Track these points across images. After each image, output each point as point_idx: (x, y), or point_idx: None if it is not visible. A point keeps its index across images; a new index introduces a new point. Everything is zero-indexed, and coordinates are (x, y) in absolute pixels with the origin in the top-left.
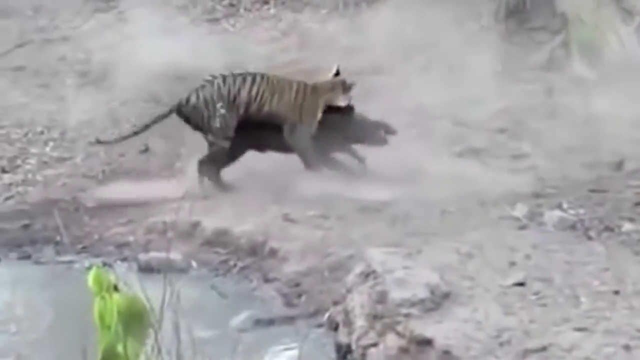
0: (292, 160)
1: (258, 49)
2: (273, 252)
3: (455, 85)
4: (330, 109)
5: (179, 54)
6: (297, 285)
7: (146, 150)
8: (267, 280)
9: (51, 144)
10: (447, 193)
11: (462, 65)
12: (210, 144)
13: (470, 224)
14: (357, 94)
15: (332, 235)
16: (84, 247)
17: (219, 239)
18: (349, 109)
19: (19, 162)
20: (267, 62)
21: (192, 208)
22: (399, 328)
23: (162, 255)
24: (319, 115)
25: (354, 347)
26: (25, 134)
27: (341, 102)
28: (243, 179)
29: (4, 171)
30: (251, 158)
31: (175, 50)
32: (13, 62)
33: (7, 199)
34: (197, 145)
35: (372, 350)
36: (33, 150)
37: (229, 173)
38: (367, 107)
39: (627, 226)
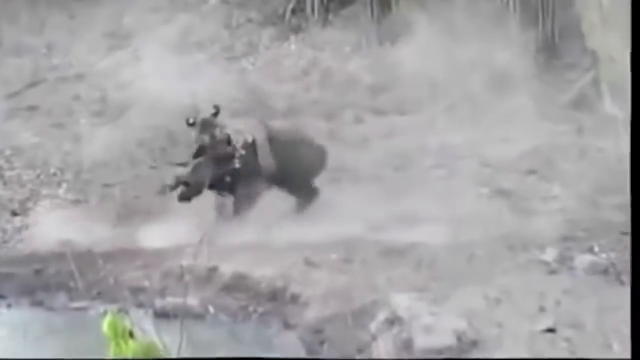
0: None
1: (278, 88)
2: (294, 298)
3: (482, 124)
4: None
5: (197, 92)
6: (320, 331)
7: (163, 191)
8: (287, 326)
9: (64, 185)
10: (475, 236)
11: (489, 104)
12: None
13: (498, 268)
14: (381, 133)
15: (355, 280)
16: (98, 293)
17: (238, 284)
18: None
19: (30, 204)
20: (288, 101)
21: (210, 252)
22: None
23: (178, 300)
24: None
25: None
26: (38, 176)
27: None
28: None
29: (15, 214)
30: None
31: (192, 89)
32: (26, 102)
33: (19, 242)
34: None
35: None
36: (45, 192)
37: None
38: (390, 147)
39: None
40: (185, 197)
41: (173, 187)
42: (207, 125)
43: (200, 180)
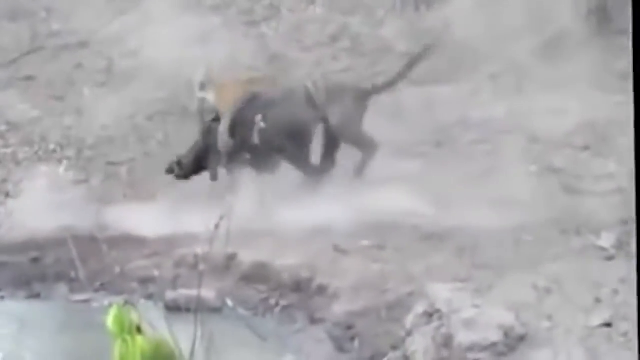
0: None
1: (303, 56)
2: (321, 289)
3: (529, 94)
4: None
5: (212, 61)
6: (350, 327)
7: (171, 170)
8: (314, 321)
9: (65, 163)
10: (522, 219)
11: (537, 72)
12: None
13: (549, 255)
14: (418, 106)
15: (389, 269)
16: (102, 284)
17: (258, 274)
18: None
19: (26, 184)
20: (314, 71)
21: (227, 238)
22: None
23: (192, 292)
24: None
25: None
26: (36, 153)
27: None
28: None
29: (9, 196)
30: None
31: (207, 56)
32: (23, 71)
33: (13, 227)
34: None
35: None
36: (43, 170)
37: None
38: (427, 120)
39: None
40: (179, 176)
41: (171, 169)
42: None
43: (195, 158)
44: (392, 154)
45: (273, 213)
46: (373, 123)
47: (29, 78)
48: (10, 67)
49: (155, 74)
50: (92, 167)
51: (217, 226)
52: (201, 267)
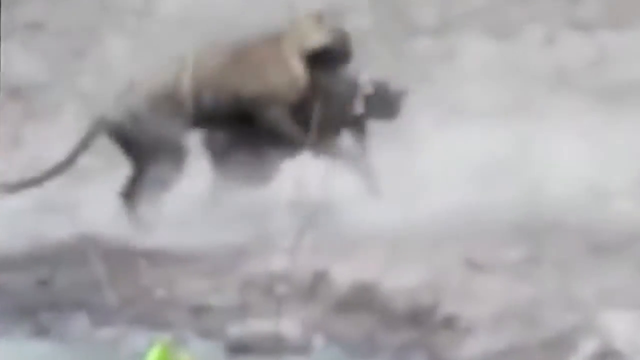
0: None
1: None
2: (449, 320)
3: None
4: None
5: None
6: None
7: None
8: None
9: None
10: None
11: None
12: None
13: None
14: (583, 58)
15: (545, 292)
16: (138, 314)
17: (360, 299)
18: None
19: (32, 175)
20: (440, 13)
21: (316, 248)
22: None
23: (266, 325)
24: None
25: None
26: (44, 129)
27: (316, 41)
28: None
29: (11, 190)
30: None
31: None
32: (26, 16)
33: (14, 235)
34: None
35: None
36: (55, 156)
37: None
38: (597, 79)
39: None
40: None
41: None
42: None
43: None
44: (549, 125)
45: (381, 208)
46: (518, 85)
47: (35, 25)
48: (9, 9)
49: (212, 16)
50: None
51: (301, 231)
52: (279, 289)
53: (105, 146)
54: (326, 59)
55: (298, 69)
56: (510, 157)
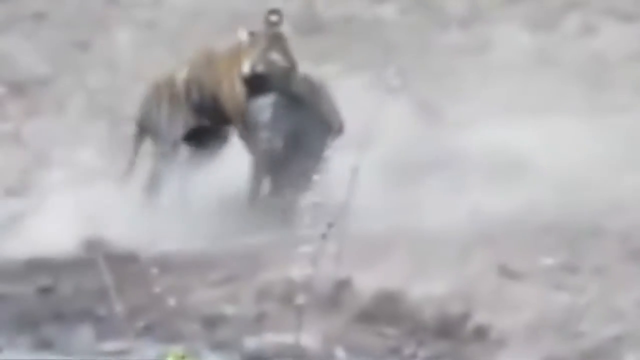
0: None
1: None
2: (481, 332)
3: None
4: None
5: None
6: None
7: None
8: None
9: (92, 143)
10: None
11: None
12: None
13: None
14: (626, 51)
15: (583, 301)
16: (148, 326)
17: (385, 309)
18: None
19: (35, 176)
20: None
21: (340, 255)
22: None
23: (285, 338)
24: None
25: None
26: (49, 128)
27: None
28: None
29: (11, 193)
30: None
31: None
32: (29, 6)
33: (15, 240)
34: None
35: None
36: (60, 155)
37: None
38: None
39: None
40: None
41: None
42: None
43: None
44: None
45: (409, 210)
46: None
47: (39, 16)
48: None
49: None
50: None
51: (324, 236)
52: (299, 299)
53: (112, 147)
54: (255, 86)
55: (238, 89)
56: (544, 156)
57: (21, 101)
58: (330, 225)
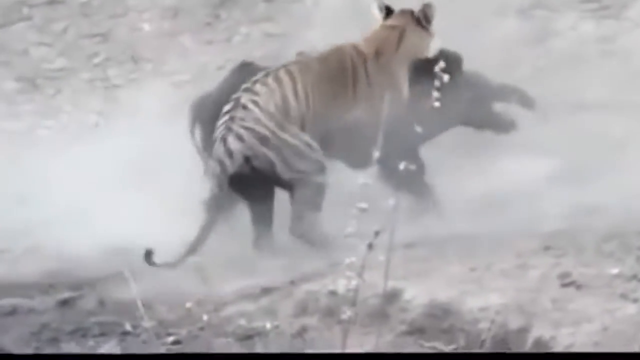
0: None
1: None
2: (542, 346)
3: None
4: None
5: None
6: None
7: None
8: None
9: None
10: None
11: None
12: None
13: None
14: None
15: None
16: (178, 340)
17: (438, 322)
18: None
19: (50, 180)
20: None
21: (388, 265)
22: None
23: (327, 353)
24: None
25: None
26: (64, 127)
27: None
28: None
29: (25, 201)
30: None
31: None
32: None
33: (29, 249)
34: None
35: None
36: (77, 154)
37: None
38: None
39: None
40: None
41: None
42: None
43: None
44: None
45: (460, 217)
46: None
47: (53, 2)
48: None
49: None
50: None
51: (370, 246)
52: (344, 313)
53: None
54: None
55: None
56: (608, 156)
57: (34, 97)
58: (377, 234)
